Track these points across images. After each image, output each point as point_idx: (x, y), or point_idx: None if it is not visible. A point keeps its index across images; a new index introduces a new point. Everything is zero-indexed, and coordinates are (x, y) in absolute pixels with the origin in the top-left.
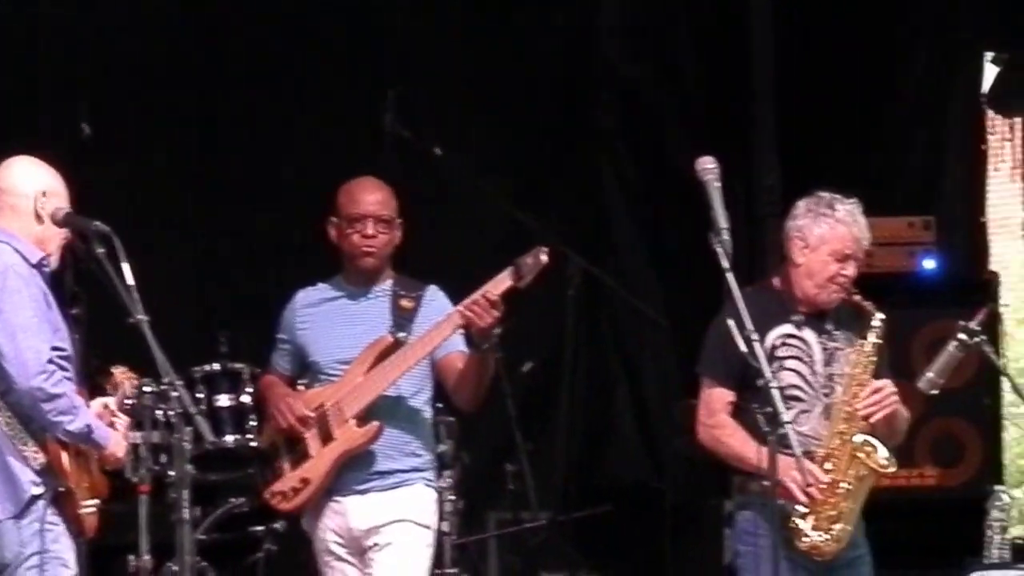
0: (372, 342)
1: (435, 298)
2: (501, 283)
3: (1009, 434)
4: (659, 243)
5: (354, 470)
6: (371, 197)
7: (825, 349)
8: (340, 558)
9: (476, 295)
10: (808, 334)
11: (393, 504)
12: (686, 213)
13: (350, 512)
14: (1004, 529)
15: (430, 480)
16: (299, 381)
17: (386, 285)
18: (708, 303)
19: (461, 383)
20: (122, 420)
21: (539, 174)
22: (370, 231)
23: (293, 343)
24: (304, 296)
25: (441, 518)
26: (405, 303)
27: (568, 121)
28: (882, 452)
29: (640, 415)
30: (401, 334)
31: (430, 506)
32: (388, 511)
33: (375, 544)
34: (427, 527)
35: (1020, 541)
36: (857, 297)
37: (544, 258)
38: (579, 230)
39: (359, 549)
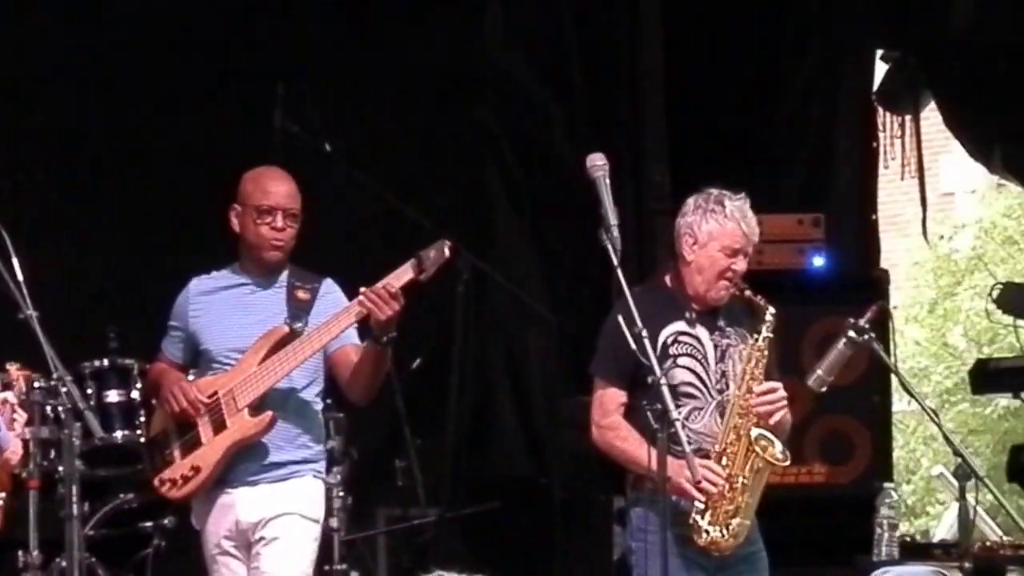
0: (267, 332)
1: (331, 291)
2: (403, 275)
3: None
4: (544, 240)
5: (245, 461)
6: (282, 189)
7: (717, 346)
8: (226, 552)
9: (377, 286)
10: (700, 331)
11: (282, 496)
12: (571, 210)
13: (239, 504)
14: (893, 526)
15: (319, 472)
16: (191, 370)
17: (283, 276)
18: (593, 300)
19: (356, 376)
20: (21, 416)
21: (426, 171)
22: (280, 224)
23: (186, 331)
24: (199, 284)
25: (330, 514)
26: (301, 294)
27: (453, 118)
28: (777, 446)
29: (524, 412)
30: (297, 324)
31: (319, 499)
32: (277, 504)
33: (262, 538)
34: (315, 521)
35: (908, 538)
36: (748, 293)
37: (447, 252)
38: (465, 227)
39: (246, 543)
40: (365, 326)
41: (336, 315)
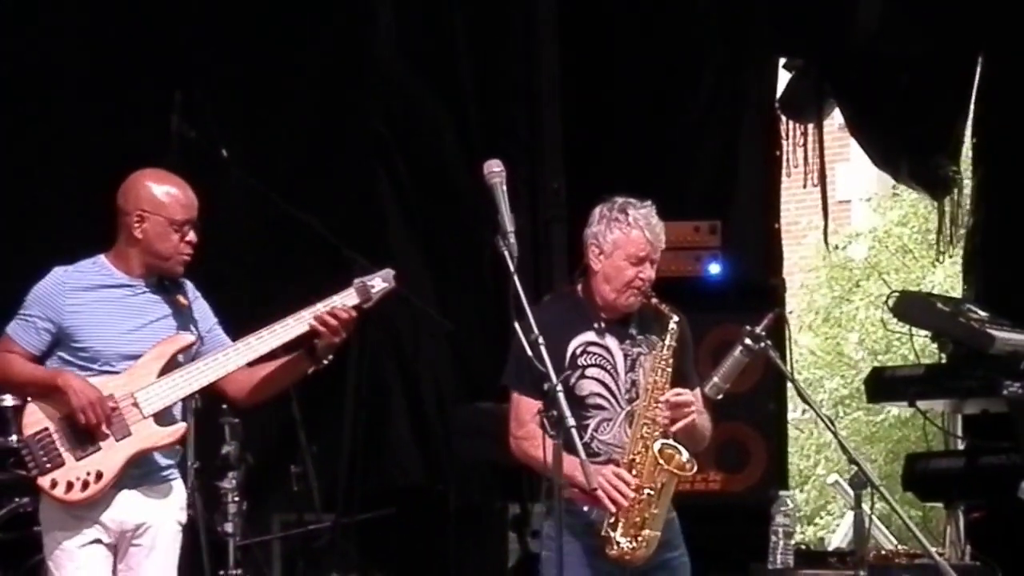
0: (169, 338)
1: (197, 294)
2: (347, 301)
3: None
4: (435, 248)
5: (131, 466)
6: (194, 201)
7: (628, 355)
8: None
9: (330, 306)
10: (610, 341)
11: (160, 500)
12: (462, 219)
13: (119, 507)
14: (789, 534)
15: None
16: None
17: (152, 279)
18: (486, 308)
19: (267, 385)
20: None
21: (321, 178)
22: (191, 237)
23: (58, 324)
24: (70, 276)
25: (225, 519)
26: (180, 299)
27: (346, 126)
28: (684, 455)
29: (417, 419)
30: (202, 335)
31: (185, 502)
32: (155, 507)
33: (138, 542)
34: (183, 523)
35: (804, 546)
36: (655, 301)
37: (393, 282)
38: (359, 234)
39: (123, 544)
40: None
41: (274, 331)
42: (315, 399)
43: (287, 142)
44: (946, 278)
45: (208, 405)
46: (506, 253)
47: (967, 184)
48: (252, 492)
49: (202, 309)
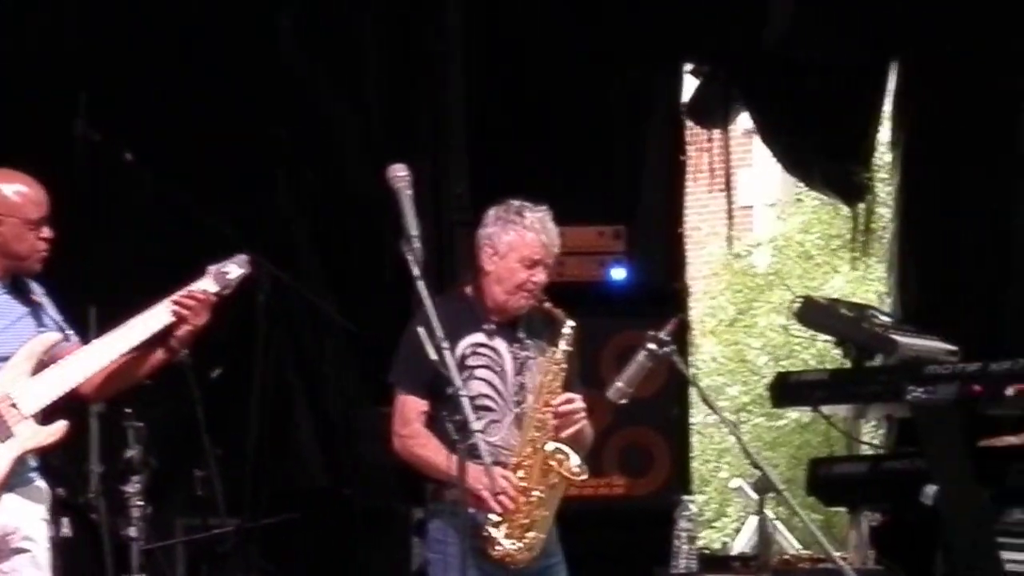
0: (37, 339)
1: (43, 291)
2: (205, 287)
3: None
4: (339, 251)
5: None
6: (45, 197)
7: (516, 358)
8: None
9: (193, 290)
10: (499, 343)
11: (31, 502)
12: (365, 222)
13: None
14: (692, 539)
15: None
16: None
17: (7, 280)
18: (391, 311)
19: (114, 380)
20: None
21: (225, 181)
22: (48, 234)
23: None
24: None
25: (129, 523)
26: (34, 297)
27: (248, 128)
28: (574, 460)
29: (321, 422)
30: (67, 331)
31: (49, 502)
32: (30, 509)
33: (18, 545)
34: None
35: (707, 551)
36: (547, 304)
37: (248, 267)
38: (264, 238)
39: (4, 548)
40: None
41: (140, 320)
42: (220, 402)
43: (191, 145)
44: (847, 284)
45: (111, 409)
46: (411, 258)
47: (880, 190)
48: (156, 496)
49: (49, 305)
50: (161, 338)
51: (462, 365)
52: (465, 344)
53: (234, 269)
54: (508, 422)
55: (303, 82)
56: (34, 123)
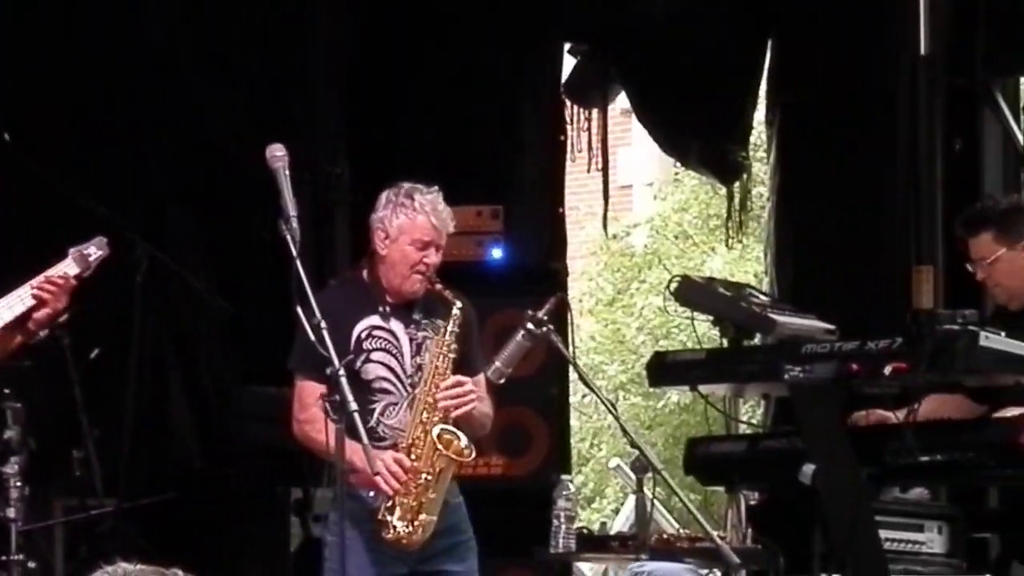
0: None
1: None
2: (68, 271)
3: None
4: (213, 231)
5: None
6: None
7: (413, 340)
8: None
9: (51, 275)
10: (396, 325)
11: None
12: (239, 201)
13: None
14: (571, 519)
15: None
16: None
17: None
18: (267, 291)
19: None
20: None
21: (98, 162)
22: None
23: None
24: None
25: (7, 504)
26: None
27: (120, 107)
28: (463, 441)
29: (196, 402)
30: None
31: None
32: None
33: None
34: None
35: (586, 530)
36: (439, 286)
37: (107, 248)
38: (139, 217)
39: None
40: None
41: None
42: (98, 383)
43: (65, 125)
44: (724, 264)
45: None
46: (289, 238)
47: (756, 169)
48: (34, 477)
49: None
50: (20, 322)
51: (359, 348)
52: (361, 327)
53: (94, 251)
54: (405, 404)
55: (172, 60)
56: None
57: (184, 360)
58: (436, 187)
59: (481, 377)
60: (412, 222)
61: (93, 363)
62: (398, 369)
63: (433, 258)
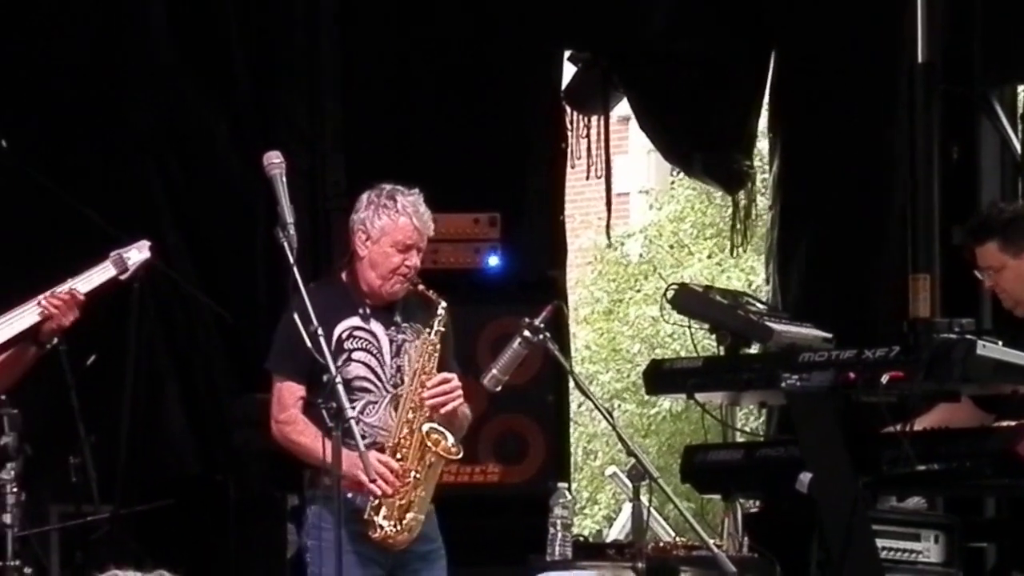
0: None
1: None
2: (103, 274)
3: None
4: (208, 240)
5: None
6: None
7: (393, 341)
8: None
9: (62, 290)
10: (376, 326)
11: None
12: (234, 210)
13: None
14: (567, 526)
15: None
16: None
17: None
18: (264, 298)
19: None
20: None
21: (95, 171)
22: None
23: None
24: None
25: (4, 510)
26: None
27: (117, 117)
28: (450, 439)
29: (192, 409)
30: None
31: None
32: None
33: None
34: None
35: (582, 538)
36: (422, 287)
37: (148, 252)
38: (134, 225)
39: None
40: None
41: (6, 320)
42: (94, 389)
43: (61, 134)
44: (703, 270)
45: None
46: (286, 244)
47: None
48: (30, 483)
49: None
50: (32, 335)
51: (339, 348)
52: (342, 328)
53: (135, 255)
54: (385, 403)
55: (170, 69)
56: None
57: (180, 366)
58: (417, 189)
59: (455, 377)
60: (394, 224)
61: (89, 369)
62: (378, 369)
63: (414, 260)
